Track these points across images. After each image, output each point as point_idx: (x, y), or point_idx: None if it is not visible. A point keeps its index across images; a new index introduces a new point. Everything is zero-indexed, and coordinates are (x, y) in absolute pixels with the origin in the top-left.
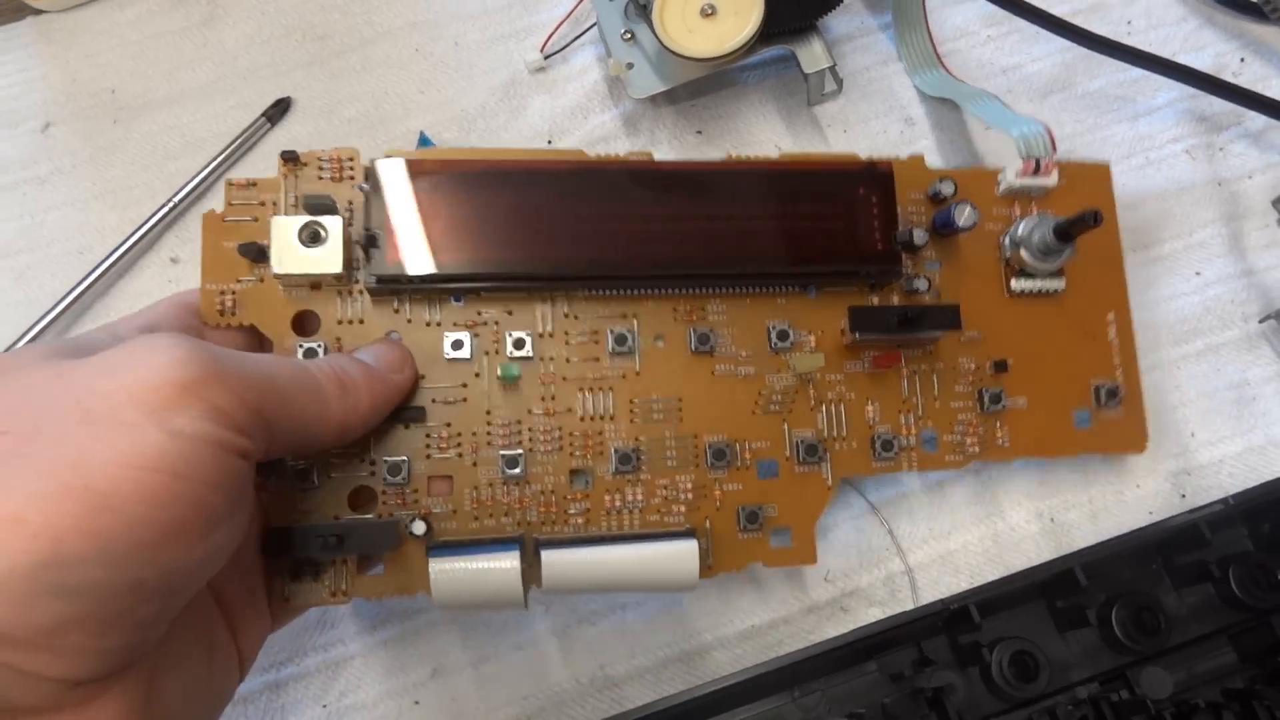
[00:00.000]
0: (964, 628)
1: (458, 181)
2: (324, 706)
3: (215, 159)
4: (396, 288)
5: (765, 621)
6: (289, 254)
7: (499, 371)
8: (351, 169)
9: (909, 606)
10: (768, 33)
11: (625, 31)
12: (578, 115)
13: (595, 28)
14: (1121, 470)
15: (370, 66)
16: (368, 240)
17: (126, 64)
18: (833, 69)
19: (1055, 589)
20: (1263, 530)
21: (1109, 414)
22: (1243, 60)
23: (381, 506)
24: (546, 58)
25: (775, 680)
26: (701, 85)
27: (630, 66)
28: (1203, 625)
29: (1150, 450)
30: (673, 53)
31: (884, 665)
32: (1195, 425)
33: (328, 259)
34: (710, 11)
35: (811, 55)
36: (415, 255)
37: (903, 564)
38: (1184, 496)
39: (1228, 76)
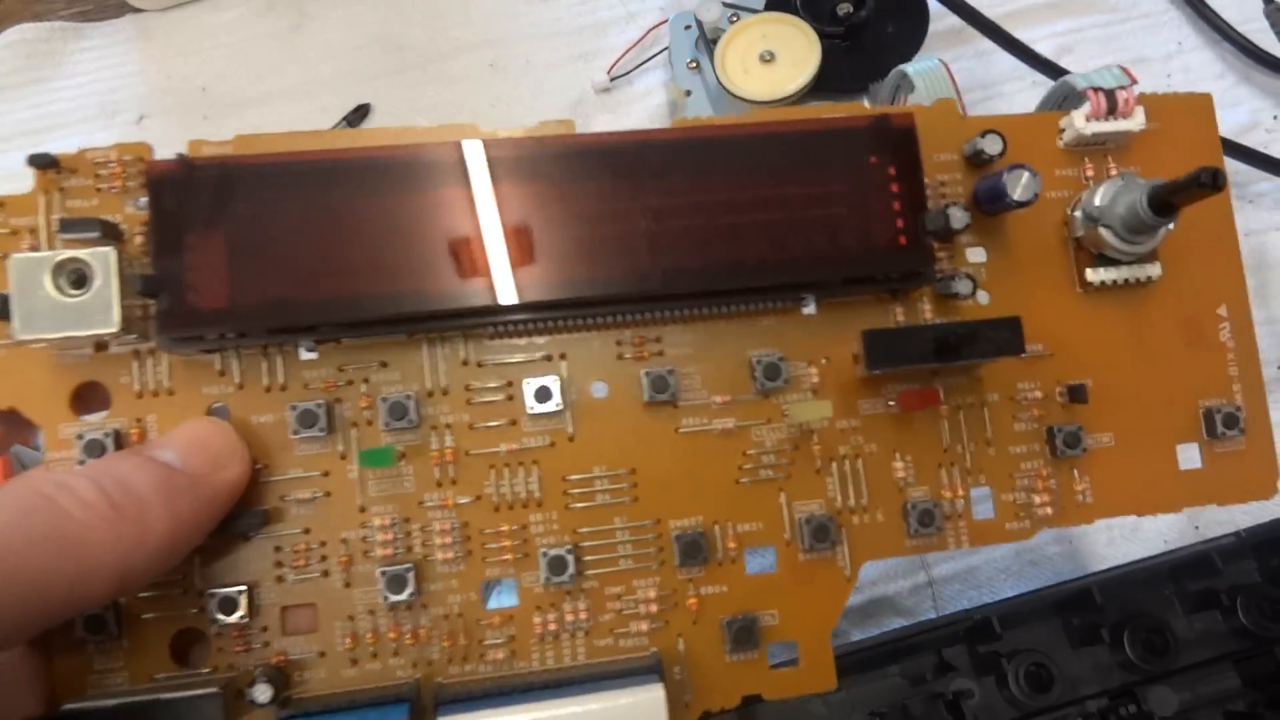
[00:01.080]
0: (984, 638)
1: (289, 181)
2: None
3: None
4: (211, 346)
5: None
6: (41, 308)
7: (359, 460)
8: (143, 176)
9: (931, 616)
10: (819, 87)
11: (691, 60)
12: None
13: (662, 54)
14: None
15: (446, 79)
16: (145, 285)
17: (218, 64)
18: None
19: (1072, 607)
20: (1271, 564)
21: (1226, 447)
22: (1276, 118)
23: (216, 656)
24: (613, 80)
25: None
26: None
27: (689, 94)
28: (1209, 650)
29: None
30: (726, 90)
31: (905, 669)
32: None
33: (96, 313)
34: (769, 58)
35: None
36: (227, 298)
37: (926, 576)
38: (1197, 528)
39: (1261, 132)
